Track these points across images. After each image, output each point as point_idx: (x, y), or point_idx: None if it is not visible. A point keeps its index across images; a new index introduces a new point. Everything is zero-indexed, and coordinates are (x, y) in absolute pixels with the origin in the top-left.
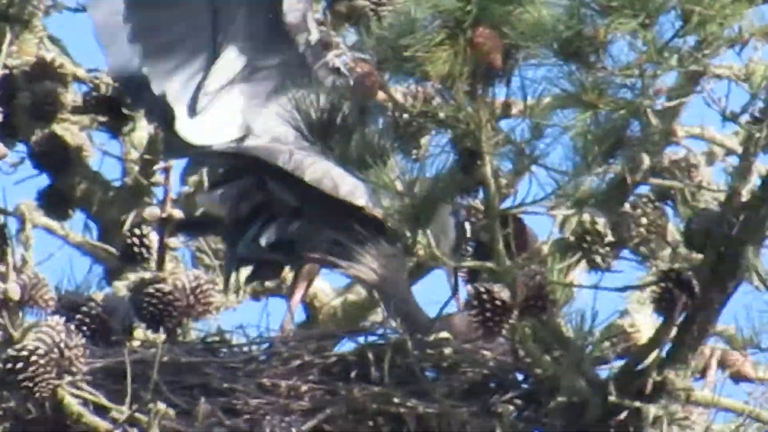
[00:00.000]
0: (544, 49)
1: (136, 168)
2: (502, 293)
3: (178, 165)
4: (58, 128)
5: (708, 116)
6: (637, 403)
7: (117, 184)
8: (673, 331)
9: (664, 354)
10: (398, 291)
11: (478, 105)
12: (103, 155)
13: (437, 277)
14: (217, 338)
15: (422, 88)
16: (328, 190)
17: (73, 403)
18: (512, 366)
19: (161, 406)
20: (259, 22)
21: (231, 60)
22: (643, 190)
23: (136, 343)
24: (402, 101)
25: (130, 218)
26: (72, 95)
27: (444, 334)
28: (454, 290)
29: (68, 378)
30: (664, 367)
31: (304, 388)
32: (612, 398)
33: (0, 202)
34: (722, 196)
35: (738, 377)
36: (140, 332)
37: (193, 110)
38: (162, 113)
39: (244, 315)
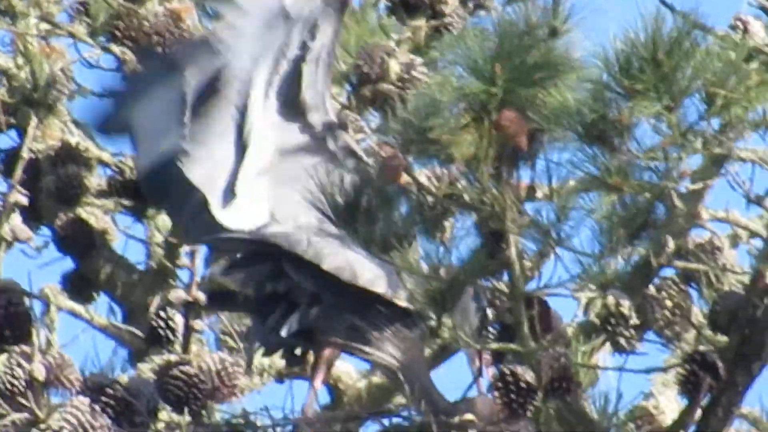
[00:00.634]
0: (569, 132)
1: (161, 251)
2: (527, 375)
3: (203, 247)
4: (82, 212)
5: (732, 199)
6: None
7: (141, 267)
8: (698, 414)
9: None
10: (417, 376)
11: (503, 187)
12: (127, 238)
13: (460, 361)
14: (241, 420)
15: (447, 170)
16: (348, 279)
17: None
18: None
19: None
20: (280, 103)
21: (259, 145)
22: (668, 272)
23: (160, 425)
24: (426, 184)
25: (156, 301)
26: (96, 179)
27: (468, 416)
28: (478, 373)
29: None
30: None
31: None
32: None
33: (25, 285)
34: (747, 279)
35: None
36: (165, 415)
37: (227, 196)
38: (187, 201)
39: (268, 397)
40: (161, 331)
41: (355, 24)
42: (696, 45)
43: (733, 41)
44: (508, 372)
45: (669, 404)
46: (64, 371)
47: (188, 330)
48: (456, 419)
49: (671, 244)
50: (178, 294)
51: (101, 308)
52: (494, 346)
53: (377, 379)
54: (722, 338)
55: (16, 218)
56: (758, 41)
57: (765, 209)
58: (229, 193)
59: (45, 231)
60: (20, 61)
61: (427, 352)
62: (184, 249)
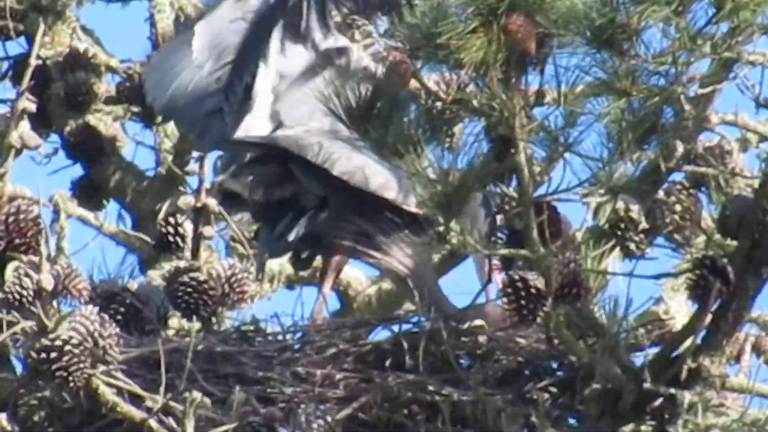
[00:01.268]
0: (578, 36)
1: (170, 158)
2: (537, 281)
3: (211, 154)
4: (91, 119)
5: (741, 103)
6: (672, 390)
7: (151, 174)
8: (708, 318)
9: (698, 341)
10: (425, 282)
11: (512, 93)
12: (136, 145)
13: (469, 267)
14: (251, 327)
15: (455, 75)
16: (359, 183)
17: (107, 392)
18: (546, 353)
19: (196, 394)
20: (285, 30)
21: (269, 66)
22: (677, 177)
23: (170, 332)
24: (435, 89)
25: (165, 207)
26: (105, 85)
27: (478, 322)
28: (487, 279)
29: (102, 367)
30: (698, 353)
31: (338, 376)
32: (647, 385)
33: (34, 193)
34: (756, 183)
35: None
36: (175, 321)
37: (241, 114)
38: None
39: (278, 304)
40: (170, 238)
41: None
42: None
43: None
44: (517, 278)
45: (679, 309)
46: (73, 281)
47: (197, 237)
48: (465, 325)
49: (680, 149)
50: (187, 200)
51: (111, 215)
52: (503, 251)
53: (387, 285)
54: (732, 243)
55: (25, 125)
56: None
57: None
58: (244, 104)
59: (54, 138)
60: None
61: (436, 258)
62: (193, 155)
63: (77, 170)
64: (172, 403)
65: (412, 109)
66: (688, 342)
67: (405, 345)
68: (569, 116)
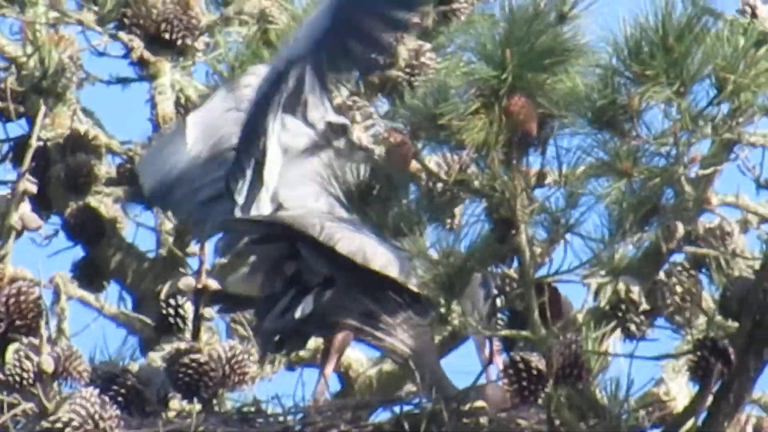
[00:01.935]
0: (579, 117)
1: (171, 239)
2: (538, 362)
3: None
4: (92, 200)
5: (742, 184)
6: None
7: (151, 255)
8: (709, 399)
9: (699, 422)
10: (427, 363)
11: (513, 174)
12: (137, 227)
13: (469, 348)
14: (252, 408)
15: (457, 156)
16: (361, 262)
17: None
18: None
19: None
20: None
21: (274, 144)
22: (678, 258)
23: (171, 414)
24: (436, 170)
25: (166, 288)
26: (106, 167)
27: (479, 403)
28: (488, 361)
29: None
30: None
31: None
32: None
33: (34, 274)
34: (757, 264)
35: None
36: (176, 403)
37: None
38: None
39: (279, 385)
40: (171, 319)
41: None
42: (706, 30)
43: (742, 26)
44: (519, 359)
45: (680, 390)
46: (73, 363)
47: (198, 318)
48: (467, 407)
49: (681, 230)
50: (187, 281)
51: (111, 296)
52: (504, 333)
53: (388, 366)
54: (733, 324)
55: (25, 207)
56: (767, 26)
57: None
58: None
59: (55, 219)
60: (29, 49)
61: (437, 339)
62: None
63: (78, 252)
64: None
65: (413, 190)
66: (689, 423)
67: (406, 426)
68: (570, 197)
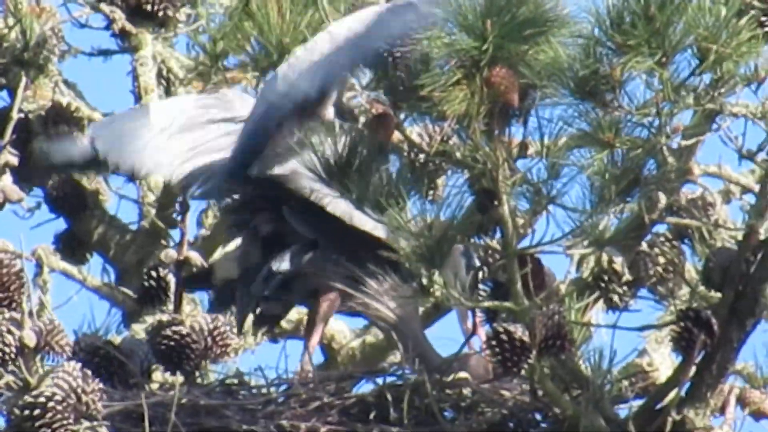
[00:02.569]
0: (561, 88)
1: (153, 211)
2: (521, 333)
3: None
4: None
5: (725, 154)
6: None
7: (134, 227)
8: (692, 370)
9: (683, 393)
10: (412, 330)
11: (495, 145)
12: (119, 199)
13: (452, 319)
14: (235, 380)
15: (438, 127)
16: (350, 223)
17: None
18: (531, 406)
19: None
20: None
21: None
22: (661, 228)
23: (154, 386)
24: (418, 141)
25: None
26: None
27: (462, 374)
28: (471, 332)
29: (86, 423)
30: (683, 405)
31: (323, 429)
32: None
33: (16, 247)
34: (739, 235)
35: (757, 415)
36: (159, 375)
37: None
38: None
39: (262, 357)
40: (153, 291)
41: None
42: (687, 0)
43: None
44: (501, 330)
45: (663, 361)
46: (55, 337)
47: (180, 290)
48: (450, 378)
49: (663, 201)
50: (169, 253)
51: (94, 269)
52: (487, 304)
53: (371, 338)
54: (716, 295)
55: (7, 179)
56: None
57: (757, 164)
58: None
59: (37, 192)
60: (10, 21)
61: (421, 310)
62: (176, 209)
63: (60, 224)
64: None
65: (394, 161)
66: (672, 394)
67: (389, 398)
68: (552, 168)
